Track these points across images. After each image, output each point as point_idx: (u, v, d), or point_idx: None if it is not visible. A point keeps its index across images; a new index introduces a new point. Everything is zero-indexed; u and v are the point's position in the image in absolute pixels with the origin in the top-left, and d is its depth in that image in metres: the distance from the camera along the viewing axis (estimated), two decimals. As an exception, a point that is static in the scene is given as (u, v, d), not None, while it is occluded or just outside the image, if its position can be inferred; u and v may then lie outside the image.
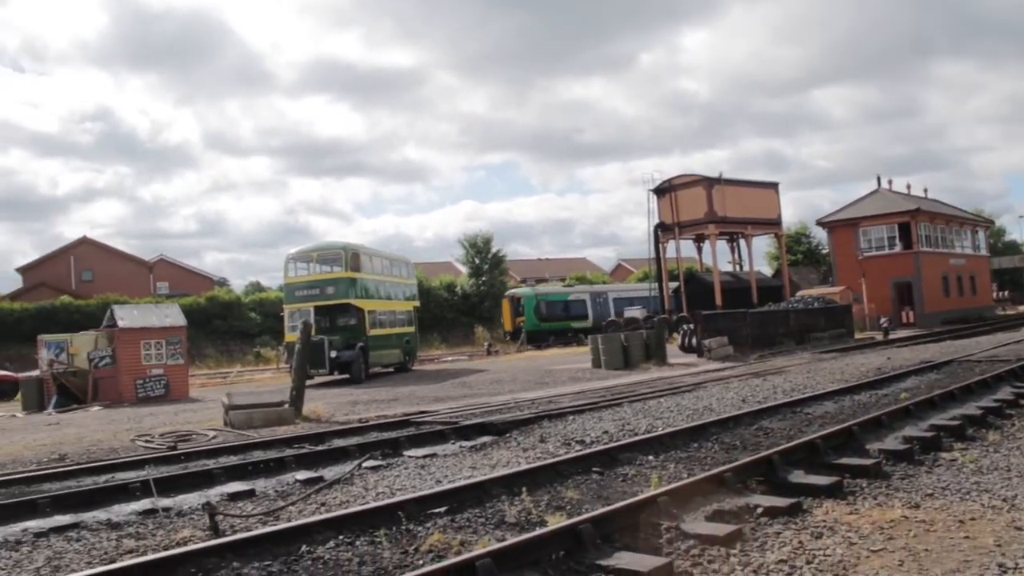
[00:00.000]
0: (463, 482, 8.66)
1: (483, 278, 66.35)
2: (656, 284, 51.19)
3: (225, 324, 54.59)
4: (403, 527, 7.13)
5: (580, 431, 12.31)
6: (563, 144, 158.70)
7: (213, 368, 44.98)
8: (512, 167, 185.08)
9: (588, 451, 10.15)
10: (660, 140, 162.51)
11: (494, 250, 69.34)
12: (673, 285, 51.84)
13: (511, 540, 6.24)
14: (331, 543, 6.75)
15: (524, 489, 8.06)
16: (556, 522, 6.79)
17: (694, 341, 30.99)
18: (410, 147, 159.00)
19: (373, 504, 7.89)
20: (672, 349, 30.95)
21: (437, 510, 7.68)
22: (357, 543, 6.76)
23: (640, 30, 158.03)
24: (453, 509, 7.72)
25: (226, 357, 50.85)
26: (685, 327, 33.58)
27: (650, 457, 9.94)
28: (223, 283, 75.82)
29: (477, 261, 68.25)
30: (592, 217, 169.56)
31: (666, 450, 10.32)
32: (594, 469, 9.27)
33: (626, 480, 8.83)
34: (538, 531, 6.48)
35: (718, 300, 45.88)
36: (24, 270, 69.02)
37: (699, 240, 53.48)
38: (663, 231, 50.45)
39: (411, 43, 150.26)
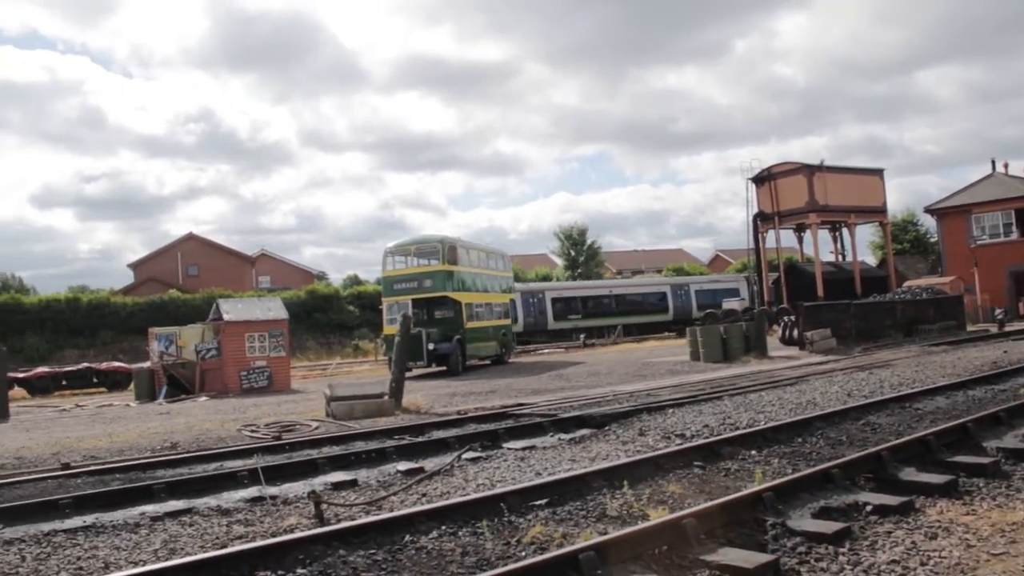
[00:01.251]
0: (563, 475, 8.63)
1: (579, 270, 66.25)
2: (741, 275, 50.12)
3: (324, 317, 55.78)
4: (505, 519, 7.15)
5: (680, 425, 12.16)
6: (656, 134, 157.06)
7: (313, 360, 46.03)
8: (605, 158, 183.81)
9: (689, 445, 10.01)
10: (756, 128, 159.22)
11: (589, 242, 69.12)
12: (772, 276, 50.74)
13: (614, 533, 6.19)
14: (434, 533, 6.81)
15: (625, 483, 7.99)
16: (659, 516, 6.72)
17: (795, 333, 30.28)
18: (502, 140, 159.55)
19: (475, 495, 7.92)
20: (772, 342, 30.31)
21: (538, 502, 7.67)
22: (460, 534, 6.81)
23: (733, 16, 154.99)
24: (554, 501, 7.69)
25: (325, 349, 52.00)
26: (786, 319, 32.86)
27: (753, 452, 9.75)
28: (322, 277, 77.49)
29: (573, 253, 68.22)
30: (687, 207, 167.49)
31: (769, 445, 10.11)
32: (696, 463, 9.13)
33: (729, 475, 8.67)
34: (641, 525, 6.41)
35: (820, 291, 44.76)
36: (135, 266, 71.95)
37: (799, 230, 52.17)
38: (762, 221, 49.43)
39: (501, 36, 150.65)
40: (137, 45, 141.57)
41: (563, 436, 12.44)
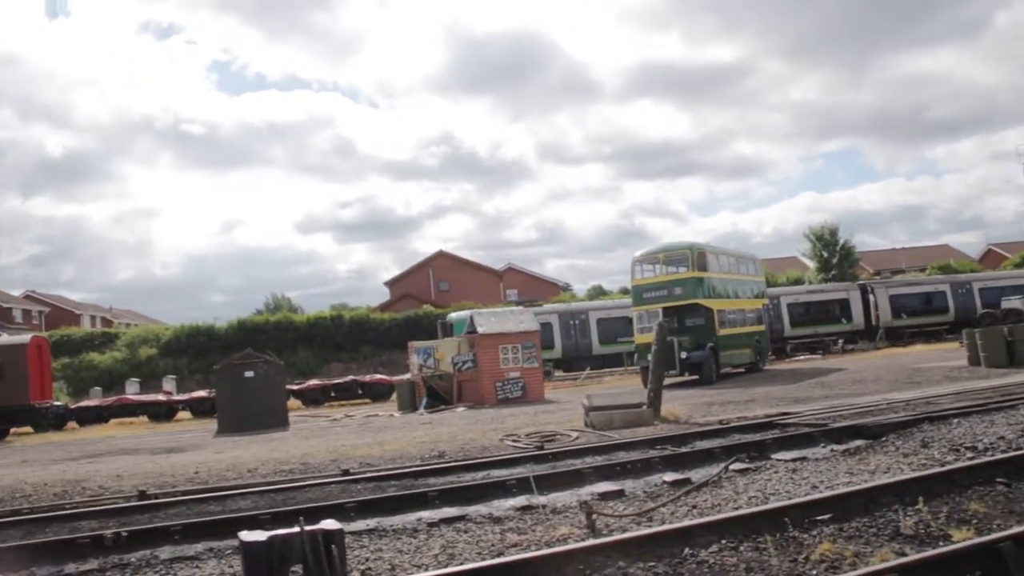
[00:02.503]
0: (845, 488, 8.08)
1: (832, 272, 63.04)
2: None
3: (572, 327, 56.33)
4: (788, 534, 6.74)
5: (969, 436, 11.10)
6: (908, 123, 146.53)
7: (561, 370, 46.52)
8: (853, 153, 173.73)
9: (986, 459, 9.09)
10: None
11: (841, 241, 65.69)
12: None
13: (916, 555, 5.68)
14: (714, 547, 6.53)
15: (920, 499, 7.34)
16: (965, 537, 6.10)
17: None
18: (741, 142, 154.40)
19: (754, 509, 7.56)
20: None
21: (821, 517, 7.19)
22: (741, 548, 6.50)
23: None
24: (838, 517, 7.18)
25: (574, 360, 52.39)
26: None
27: (1068, 468, 8.70)
28: (567, 288, 78.53)
29: (825, 254, 64.99)
30: (948, 200, 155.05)
31: (1087, 461, 8.99)
32: (998, 479, 8.25)
33: (1042, 494, 7.77)
34: (946, 547, 5.85)
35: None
36: (390, 283, 76.35)
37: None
38: (1044, 210, 44.79)
39: (733, 35, 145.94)
40: (381, 78, 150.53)
41: (835, 447, 11.74)
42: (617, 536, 6.97)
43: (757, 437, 12.76)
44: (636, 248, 30.88)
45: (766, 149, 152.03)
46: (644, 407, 16.32)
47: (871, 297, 47.33)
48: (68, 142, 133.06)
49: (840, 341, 44.26)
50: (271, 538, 4.86)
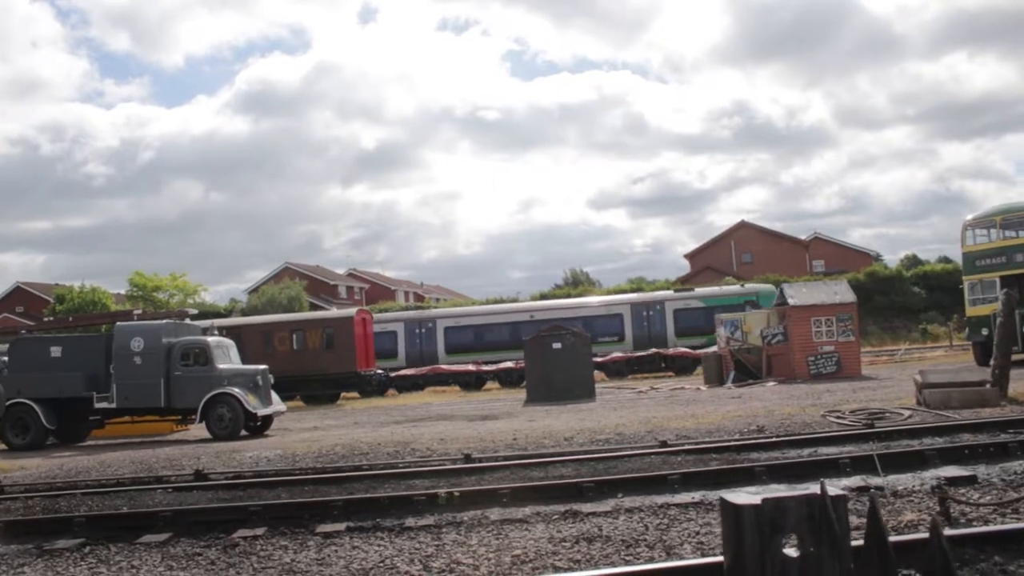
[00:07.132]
0: None
1: None
2: None
3: (886, 300, 52.94)
4: None
5: None
6: None
7: (876, 346, 43.80)
8: None
9: None
10: None
11: None
12: None
13: None
14: (1120, 550, 5.61)
15: None
16: None
17: None
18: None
19: None
20: None
21: None
22: None
23: None
24: None
25: (888, 334, 49.30)
26: None
27: None
28: (878, 258, 73.81)
29: None
30: None
31: None
32: None
33: None
34: None
35: None
36: (690, 256, 75.39)
37: None
38: None
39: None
40: (669, 53, 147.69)
41: None
42: (984, 527, 6.23)
43: None
44: (953, 215, 28.15)
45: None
46: (988, 385, 14.71)
47: None
48: (380, 135, 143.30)
49: None
50: (765, 501, 4.39)
